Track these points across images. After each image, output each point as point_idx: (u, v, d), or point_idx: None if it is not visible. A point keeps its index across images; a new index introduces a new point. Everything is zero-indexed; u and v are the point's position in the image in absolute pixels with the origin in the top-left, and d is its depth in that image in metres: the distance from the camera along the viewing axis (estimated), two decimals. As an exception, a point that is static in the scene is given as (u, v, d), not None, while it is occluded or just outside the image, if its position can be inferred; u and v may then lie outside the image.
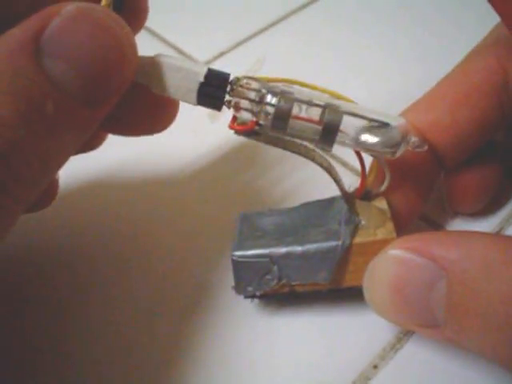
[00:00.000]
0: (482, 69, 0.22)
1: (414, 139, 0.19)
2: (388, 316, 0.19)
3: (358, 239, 0.19)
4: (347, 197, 0.20)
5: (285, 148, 0.19)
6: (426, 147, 0.19)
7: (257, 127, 0.18)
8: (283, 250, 0.20)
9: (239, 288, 0.20)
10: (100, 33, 0.16)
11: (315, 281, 0.20)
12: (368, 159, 0.20)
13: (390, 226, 0.20)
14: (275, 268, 0.20)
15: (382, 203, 0.21)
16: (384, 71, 0.32)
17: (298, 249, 0.20)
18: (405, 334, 0.21)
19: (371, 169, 0.21)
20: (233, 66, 0.33)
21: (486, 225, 0.24)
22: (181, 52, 0.34)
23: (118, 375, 0.20)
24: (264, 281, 0.20)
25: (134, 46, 0.17)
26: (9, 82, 0.15)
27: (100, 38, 0.16)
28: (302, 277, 0.20)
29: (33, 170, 0.16)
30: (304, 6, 0.38)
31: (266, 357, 0.21)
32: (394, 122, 0.18)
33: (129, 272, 0.23)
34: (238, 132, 0.19)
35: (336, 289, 0.20)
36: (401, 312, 0.18)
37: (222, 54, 0.34)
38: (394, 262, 0.18)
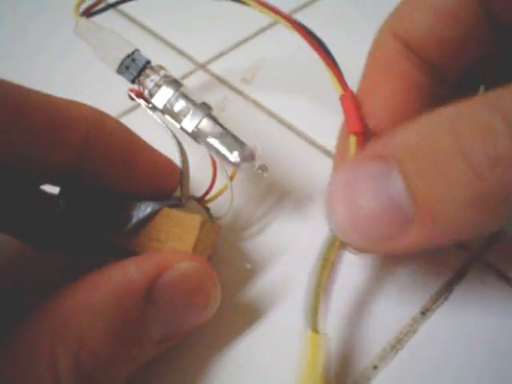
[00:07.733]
0: None
1: (258, 164, 0.21)
2: (352, 236, 0.17)
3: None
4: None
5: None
6: (266, 174, 0.21)
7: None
8: None
9: None
10: (199, 293, 0.18)
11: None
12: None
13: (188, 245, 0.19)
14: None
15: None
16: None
17: None
18: (405, 335, 0.21)
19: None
20: (232, 67, 0.33)
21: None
22: (180, 52, 0.34)
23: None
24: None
25: (217, 303, 0.19)
26: (112, 323, 0.16)
27: (197, 298, 0.18)
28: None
29: None
30: (303, 7, 0.38)
31: (265, 356, 0.21)
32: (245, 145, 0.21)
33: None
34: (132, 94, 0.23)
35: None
36: (364, 225, 0.17)
37: (221, 55, 0.34)
38: (344, 176, 0.17)
